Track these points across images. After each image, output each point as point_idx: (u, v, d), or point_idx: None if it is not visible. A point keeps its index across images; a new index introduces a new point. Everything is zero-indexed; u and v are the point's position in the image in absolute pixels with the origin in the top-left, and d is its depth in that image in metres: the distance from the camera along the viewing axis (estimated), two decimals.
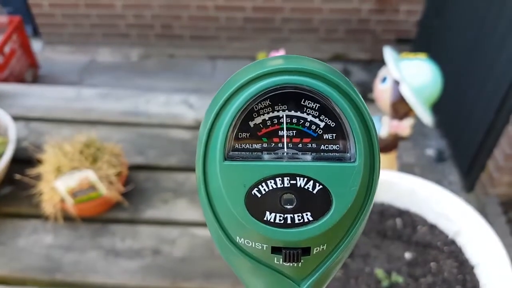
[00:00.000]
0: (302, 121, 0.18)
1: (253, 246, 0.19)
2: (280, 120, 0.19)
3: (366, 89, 2.20)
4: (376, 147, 0.18)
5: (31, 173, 0.86)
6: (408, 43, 2.38)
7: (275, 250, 0.19)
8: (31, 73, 2.20)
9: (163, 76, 2.31)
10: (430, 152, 1.87)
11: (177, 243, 0.84)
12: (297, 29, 2.39)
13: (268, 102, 0.19)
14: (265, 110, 0.19)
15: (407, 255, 0.68)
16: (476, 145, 1.63)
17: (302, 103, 0.18)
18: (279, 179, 0.18)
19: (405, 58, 0.78)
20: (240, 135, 0.19)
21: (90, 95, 1.19)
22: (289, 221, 0.18)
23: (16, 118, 1.01)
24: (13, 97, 1.17)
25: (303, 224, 0.18)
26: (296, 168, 0.17)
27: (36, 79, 2.25)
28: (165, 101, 1.17)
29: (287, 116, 0.18)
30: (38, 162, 0.86)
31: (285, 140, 0.19)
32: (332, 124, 0.18)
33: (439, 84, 0.76)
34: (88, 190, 0.82)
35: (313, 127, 0.18)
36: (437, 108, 0.84)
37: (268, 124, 0.19)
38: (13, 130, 0.91)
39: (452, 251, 0.69)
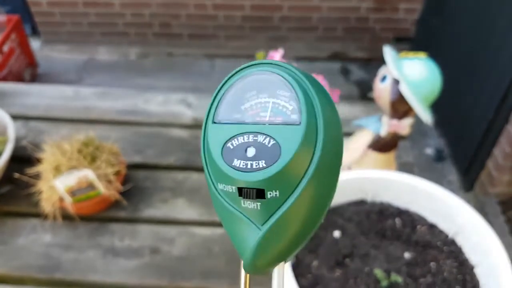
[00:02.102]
0: (277, 105, 0.25)
1: (227, 190, 0.25)
2: (263, 105, 0.25)
3: (365, 88, 2.21)
4: (319, 114, 0.23)
5: (30, 172, 0.86)
6: (407, 42, 2.38)
7: (241, 193, 0.24)
8: (29, 72, 2.20)
9: (162, 75, 2.30)
10: (429, 151, 1.87)
11: (176, 242, 0.84)
12: (296, 27, 2.39)
13: (254, 92, 0.25)
14: (252, 98, 0.25)
15: (407, 255, 0.68)
16: (476, 144, 1.63)
17: (277, 92, 0.25)
18: (246, 136, 0.24)
19: (405, 58, 0.78)
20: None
21: (89, 94, 1.19)
22: (249, 166, 0.23)
23: (15, 117, 1.01)
24: (11, 96, 1.17)
25: (259, 169, 0.23)
26: (259, 128, 0.24)
27: (34, 78, 2.24)
28: (164, 100, 1.17)
29: (265, 101, 0.25)
30: (37, 161, 0.86)
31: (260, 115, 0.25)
32: (292, 104, 0.24)
33: (438, 83, 0.76)
34: (86, 189, 0.82)
35: (284, 109, 0.24)
36: (436, 107, 0.84)
37: (253, 108, 0.25)
38: (12, 129, 0.91)
39: (452, 251, 0.69)
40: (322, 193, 0.24)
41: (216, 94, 0.26)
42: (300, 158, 0.23)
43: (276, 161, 0.23)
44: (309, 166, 0.23)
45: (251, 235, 0.25)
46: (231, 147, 0.24)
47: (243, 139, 0.24)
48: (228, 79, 0.26)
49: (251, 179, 0.23)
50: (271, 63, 0.25)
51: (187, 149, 1.03)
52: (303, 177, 0.23)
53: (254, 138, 0.24)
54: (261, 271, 0.26)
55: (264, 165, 0.23)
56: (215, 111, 0.26)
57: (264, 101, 0.25)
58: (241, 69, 0.26)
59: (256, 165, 0.23)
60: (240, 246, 0.26)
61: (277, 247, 0.25)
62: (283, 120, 0.24)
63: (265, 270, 0.26)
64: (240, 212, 0.25)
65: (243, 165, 0.24)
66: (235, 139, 0.24)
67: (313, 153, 0.23)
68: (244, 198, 0.24)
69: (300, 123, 0.23)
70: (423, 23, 2.27)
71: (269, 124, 0.24)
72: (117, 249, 0.83)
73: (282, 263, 0.26)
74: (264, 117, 0.24)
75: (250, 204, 0.24)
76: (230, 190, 0.24)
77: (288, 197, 0.23)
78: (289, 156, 0.23)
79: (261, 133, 0.24)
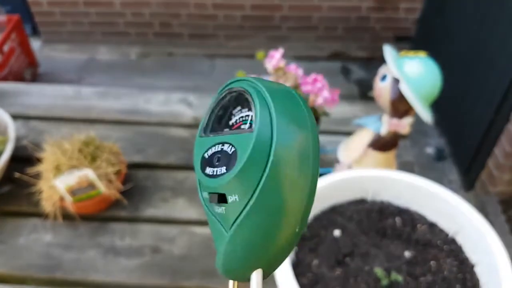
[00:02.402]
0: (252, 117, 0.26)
1: (205, 196, 0.26)
2: (244, 118, 0.26)
3: (366, 87, 2.20)
4: (274, 122, 0.24)
5: (31, 171, 0.86)
6: (407, 41, 2.38)
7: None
8: (30, 71, 2.20)
9: (162, 75, 2.30)
10: (430, 150, 1.87)
11: (177, 242, 0.84)
12: (296, 27, 2.39)
13: (239, 108, 0.27)
14: (237, 113, 0.27)
15: (407, 254, 0.68)
16: (476, 144, 1.63)
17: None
18: (217, 146, 0.26)
19: (405, 56, 0.78)
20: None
21: (89, 93, 1.19)
22: (214, 173, 0.25)
23: (15, 117, 1.01)
24: (12, 96, 1.17)
25: (221, 175, 0.25)
26: (227, 138, 0.25)
27: (35, 78, 2.24)
28: (164, 99, 1.17)
29: (246, 115, 0.26)
30: (38, 160, 0.86)
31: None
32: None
33: (438, 82, 0.76)
34: (87, 189, 0.82)
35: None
36: (437, 106, 0.84)
37: (237, 121, 0.27)
38: (12, 129, 0.91)
39: (452, 249, 0.69)
40: (285, 201, 0.24)
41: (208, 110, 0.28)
42: (253, 163, 0.24)
43: (233, 166, 0.24)
44: (264, 171, 0.24)
45: (222, 240, 0.26)
46: (206, 156, 0.26)
47: (215, 148, 0.26)
48: (218, 95, 0.28)
49: (214, 184, 0.25)
50: (243, 80, 0.27)
51: (188, 148, 1.03)
52: (259, 182, 0.24)
53: (222, 147, 0.25)
54: (236, 277, 0.26)
55: (225, 171, 0.24)
56: (202, 126, 0.28)
57: (245, 115, 0.26)
58: (227, 85, 0.27)
59: (220, 172, 0.25)
60: (217, 250, 0.27)
61: (244, 253, 0.25)
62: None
63: (240, 276, 0.26)
64: (215, 217, 0.26)
65: (211, 172, 0.25)
66: (210, 150, 0.26)
67: (267, 159, 0.24)
68: (213, 203, 0.26)
69: (253, 130, 0.24)
70: (424, 23, 2.27)
71: (232, 134, 0.25)
72: (117, 248, 0.83)
73: (259, 271, 0.26)
74: (243, 130, 0.25)
75: (218, 209, 0.25)
76: (206, 196, 0.26)
77: (248, 202, 0.24)
78: (243, 161, 0.23)
79: (227, 142, 0.25)
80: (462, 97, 1.75)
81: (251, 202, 0.24)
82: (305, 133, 0.25)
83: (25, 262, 0.80)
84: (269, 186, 0.24)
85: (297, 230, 0.25)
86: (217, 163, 0.25)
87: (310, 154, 0.25)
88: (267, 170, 0.24)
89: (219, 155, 0.25)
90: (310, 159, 0.25)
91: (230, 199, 0.25)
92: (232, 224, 0.25)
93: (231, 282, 0.27)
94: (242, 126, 0.26)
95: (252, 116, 0.25)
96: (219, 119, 0.28)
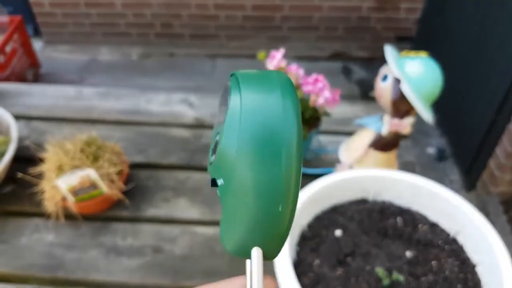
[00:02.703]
0: None
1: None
2: None
3: (367, 87, 2.21)
4: (243, 106, 0.25)
5: (33, 171, 0.86)
6: (408, 41, 2.38)
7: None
8: (32, 72, 2.20)
9: (163, 75, 2.31)
10: (431, 150, 1.87)
11: (178, 242, 0.84)
12: (297, 27, 2.39)
13: None
14: None
15: (408, 254, 0.68)
16: (477, 144, 1.63)
17: None
18: (216, 137, 0.28)
19: (406, 57, 0.78)
20: None
21: (91, 94, 1.19)
22: (212, 161, 0.28)
23: (17, 117, 1.02)
24: (14, 96, 1.18)
25: (212, 162, 0.27)
26: (218, 129, 0.28)
27: (37, 78, 2.25)
28: (165, 100, 1.17)
29: None
30: (40, 160, 0.87)
31: None
32: None
33: (439, 82, 0.76)
34: (89, 189, 0.82)
35: None
36: (438, 106, 0.84)
37: None
38: (14, 129, 0.91)
39: (453, 249, 0.69)
40: (257, 179, 0.25)
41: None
42: (226, 147, 0.26)
43: (216, 153, 0.27)
44: (235, 153, 0.25)
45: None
46: (213, 147, 0.28)
47: (215, 139, 0.28)
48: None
49: (210, 170, 0.28)
50: (233, 74, 0.28)
51: (189, 148, 1.03)
52: (233, 168, 0.26)
53: (217, 137, 0.28)
54: (238, 253, 0.27)
55: (214, 158, 0.27)
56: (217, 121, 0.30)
57: None
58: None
59: (213, 159, 0.27)
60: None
61: (234, 228, 0.27)
62: None
63: (240, 251, 0.27)
64: (220, 199, 0.28)
65: (211, 160, 0.28)
66: (214, 141, 0.28)
67: (237, 144, 0.25)
68: (213, 187, 0.28)
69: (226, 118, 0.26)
70: (424, 23, 2.27)
71: (223, 124, 0.27)
72: (119, 248, 0.83)
73: (258, 249, 0.26)
74: None
75: (218, 192, 0.28)
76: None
77: (229, 183, 0.26)
78: (220, 148, 0.26)
79: (218, 132, 0.27)
80: (463, 97, 1.75)
81: (231, 184, 0.26)
82: (277, 113, 0.25)
83: (27, 261, 0.81)
84: (241, 167, 0.25)
85: (280, 209, 0.25)
86: (213, 152, 0.28)
87: (285, 134, 0.25)
88: (236, 152, 0.25)
89: (216, 145, 0.28)
90: (285, 138, 0.25)
91: (219, 182, 0.27)
92: (224, 205, 0.27)
93: (248, 261, 0.28)
94: None
95: None
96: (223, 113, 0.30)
